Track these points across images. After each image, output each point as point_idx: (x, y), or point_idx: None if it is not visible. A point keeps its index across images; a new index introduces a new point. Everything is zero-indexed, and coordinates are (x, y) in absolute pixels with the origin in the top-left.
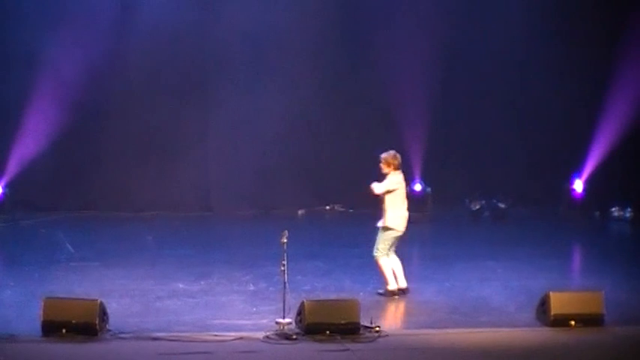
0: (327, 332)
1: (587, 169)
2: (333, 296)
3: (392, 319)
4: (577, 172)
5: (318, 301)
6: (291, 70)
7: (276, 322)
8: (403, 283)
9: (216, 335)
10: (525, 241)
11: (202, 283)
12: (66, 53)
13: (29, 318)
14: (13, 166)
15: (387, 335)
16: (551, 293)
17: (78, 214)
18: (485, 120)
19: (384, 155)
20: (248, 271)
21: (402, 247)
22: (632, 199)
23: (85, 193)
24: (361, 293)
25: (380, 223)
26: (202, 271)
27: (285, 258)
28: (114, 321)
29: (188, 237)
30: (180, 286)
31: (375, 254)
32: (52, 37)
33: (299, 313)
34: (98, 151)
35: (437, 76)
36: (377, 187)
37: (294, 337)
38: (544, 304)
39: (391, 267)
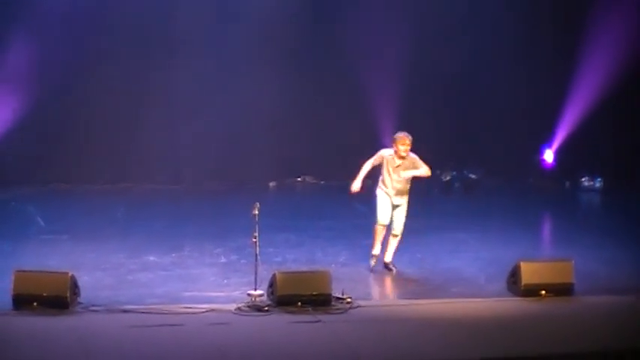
0: (299, 304)
1: (558, 140)
2: (304, 268)
3: (363, 290)
4: (547, 142)
5: (290, 272)
6: (261, 41)
7: (248, 294)
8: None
9: (187, 307)
10: (496, 212)
11: (174, 255)
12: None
13: (0, 291)
14: None
15: (358, 306)
16: (521, 263)
17: (48, 187)
18: (456, 92)
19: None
20: (219, 244)
21: (372, 219)
22: (602, 169)
23: (55, 167)
24: (332, 265)
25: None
26: (174, 244)
27: (257, 230)
28: (85, 294)
29: (159, 210)
30: (152, 259)
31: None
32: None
33: (270, 285)
34: (68, 125)
35: (408, 50)
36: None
37: (266, 308)
38: (514, 274)
39: None
